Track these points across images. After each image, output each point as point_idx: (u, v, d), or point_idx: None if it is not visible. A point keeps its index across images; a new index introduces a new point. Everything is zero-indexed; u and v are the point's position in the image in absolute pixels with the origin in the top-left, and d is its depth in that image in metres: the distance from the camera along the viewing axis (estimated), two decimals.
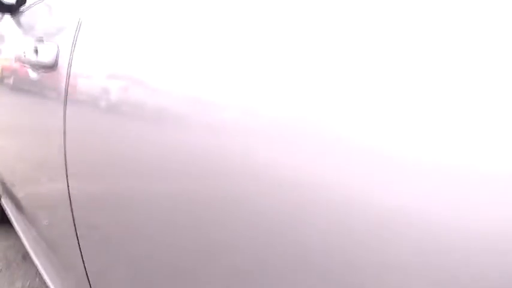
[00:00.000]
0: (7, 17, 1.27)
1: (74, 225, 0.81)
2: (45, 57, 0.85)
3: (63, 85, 0.79)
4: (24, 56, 0.98)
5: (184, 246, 0.45)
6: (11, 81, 1.15)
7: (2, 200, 1.56)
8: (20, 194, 1.25)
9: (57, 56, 0.82)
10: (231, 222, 0.36)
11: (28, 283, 1.41)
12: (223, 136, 0.36)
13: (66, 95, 0.78)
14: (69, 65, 0.77)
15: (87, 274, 0.79)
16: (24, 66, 1.04)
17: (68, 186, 0.82)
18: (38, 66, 0.92)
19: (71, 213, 0.83)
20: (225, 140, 0.36)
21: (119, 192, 0.62)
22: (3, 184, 1.46)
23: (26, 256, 1.55)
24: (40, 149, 0.96)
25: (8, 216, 1.46)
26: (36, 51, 0.89)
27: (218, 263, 0.40)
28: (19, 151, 1.12)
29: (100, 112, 0.65)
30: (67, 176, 0.81)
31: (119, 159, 0.61)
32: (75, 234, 0.82)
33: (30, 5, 1.07)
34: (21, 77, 1.06)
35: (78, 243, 0.81)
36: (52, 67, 0.84)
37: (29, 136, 1.02)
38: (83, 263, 0.80)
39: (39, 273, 1.32)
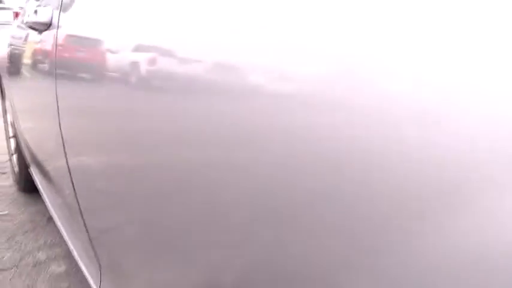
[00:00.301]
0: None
1: (75, 194, 0.87)
2: (42, 18, 0.93)
3: (53, 44, 0.85)
4: (28, 17, 1.08)
5: (195, 216, 0.42)
6: (37, 63, 1.17)
7: (31, 169, 1.72)
8: (44, 163, 1.32)
9: (51, 17, 0.90)
10: (252, 188, 0.33)
11: (50, 240, 1.59)
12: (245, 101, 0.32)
13: (56, 55, 0.83)
14: (58, 25, 0.84)
15: (89, 235, 0.86)
16: (29, 30, 1.13)
17: (65, 151, 0.86)
18: (37, 27, 1.01)
19: (71, 183, 0.88)
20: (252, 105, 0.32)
21: (114, 159, 0.61)
22: (32, 154, 1.57)
23: (50, 219, 1.72)
24: (43, 113, 1.02)
25: (36, 185, 1.59)
26: (35, 12, 0.99)
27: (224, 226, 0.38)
28: (38, 121, 1.17)
29: (84, 69, 0.68)
30: (63, 141, 0.85)
31: (106, 121, 0.60)
32: (77, 203, 0.88)
33: None
34: (34, 48, 1.12)
35: (80, 210, 0.87)
36: (48, 27, 0.92)
37: (37, 99, 1.09)
38: (85, 225, 0.87)
39: (60, 233, 1.53)
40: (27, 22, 1.15)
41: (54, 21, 0.88)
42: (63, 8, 0.84)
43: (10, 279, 1.35)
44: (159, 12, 0.46)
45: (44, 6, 1.01)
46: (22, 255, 1.50)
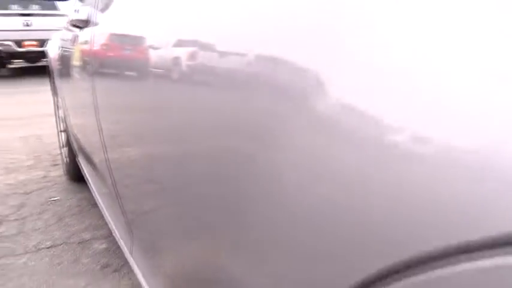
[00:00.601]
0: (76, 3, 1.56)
1: (114, 183, 0.95)
2: (81, 15, 1.04)
3: (91, 40, 0.93)
4: (71, 16, 1.18)
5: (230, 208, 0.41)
6: (78, 60, 1.24)
7: (79, 160, 1.86)
8: (88, 155, 1.42)
9: (89, 14, 0.99)
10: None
11: (94, 222, 1.76)
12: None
13: (92, 50, 0.90)
14: (94, 22, 0.92)
15: (125, 218, 0.95)
16: (72, 31, 1.23)
17: (104, 144, 0.92)
18: (78, 24, 1.10)
19: (110, 174, 0.95)
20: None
21: (146, 151, 0.63)
22: (79, 147, 1.70)
23: (94, 205, 1.90)
24: (84, 108, 1.08)
25: (83, 174, 1.74)
26: (77, 11, 1.10)
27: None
28: (82, 116, 1.25)
29: (118, 64, 0.73)
30: (102, 134, 0.91)
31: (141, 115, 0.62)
32: (115, 190, 0.97)
33: None
34: (75, 46, 1.22)
35: (118, 196, 0.95)
36: (87, 24, 1.01)
37: (79, 94, 1.15)
38: (122, 209, 0.94)
39: (103, 216, 1.69)
40: (71, 20, 1.27)
41: (92, 19, 0.97)
42: (99, 5, 0.93)
43: (60, 253, 1.53)
44: (192, 7, 0.47)
45: (84, 5, 1.12)
46: (70, 234, 1.68)
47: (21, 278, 1.38)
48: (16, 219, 1.82)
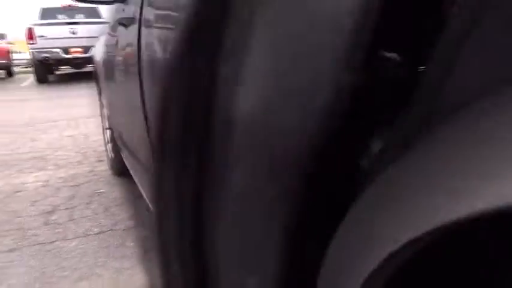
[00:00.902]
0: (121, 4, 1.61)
1: None
2: (127, 14, 1.11)
3: (136, 36, 1.00)
4: (117, 15, 1.27)
5: None
6: (123, 57, 1.30)
7: (123, 155, 1.91)
8: (133, 150, 1.48)
9: (134, 12, 1.05)
10: None
11: (138, 211, 1.88)
12: None
13: (139, 47, 0.95)
14: (140, 18, 0.98)
15: None
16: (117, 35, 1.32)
17: (150, 139, 0.96)
18: (124, 22, 1.18)
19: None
20: None
21: None
22: (123, 141, 1.74)
23: (138, 196, 1.98)
24: (130, 98, 1.13)
25: (127, 165, 1.80)
26: (123, 10, 1.19)
27: None
28: (127, 112, 1.32)
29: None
30: (148, 129, 0.96)
31: None
32: None
33: None
34: (120, 44, 1.28)
35: None
36: (132, 22, 1.07)
37: (125, 91, 1.22)
38: None
39: (146, 206, 1.80)
40: (119, 19, 1.36)
41: (137, 16, 1.04)
42: (144, 3, 0.99)
43: (106, 238, 1.66)
44: None
45: (129, 3, 1.20)
46: (115, 221, 1.81)
47: (73, 259, 1.51)
48: (67, 208, 1.97)
